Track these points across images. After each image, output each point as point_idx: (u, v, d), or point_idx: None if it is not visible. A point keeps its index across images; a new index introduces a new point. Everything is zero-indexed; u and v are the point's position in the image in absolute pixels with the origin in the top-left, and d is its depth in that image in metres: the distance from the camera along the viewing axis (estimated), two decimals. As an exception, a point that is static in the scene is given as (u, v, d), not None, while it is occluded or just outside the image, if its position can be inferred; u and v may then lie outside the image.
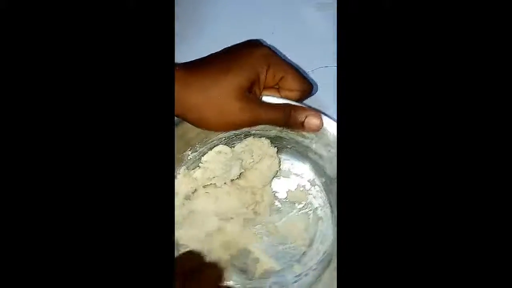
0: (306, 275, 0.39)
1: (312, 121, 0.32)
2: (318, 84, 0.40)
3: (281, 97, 0.34)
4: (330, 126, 0.33)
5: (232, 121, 0.31)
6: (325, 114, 0.33)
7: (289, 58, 0.41)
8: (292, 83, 0.33)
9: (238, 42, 0.34)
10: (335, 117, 0.33)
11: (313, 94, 0.39)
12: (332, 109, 0.33)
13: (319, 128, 0.32)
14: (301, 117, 0.32)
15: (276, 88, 0.34)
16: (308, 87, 0.34)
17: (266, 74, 0.32)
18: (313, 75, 0.41)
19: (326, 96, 0.39)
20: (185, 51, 0.33)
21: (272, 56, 0.32)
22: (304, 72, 0.41)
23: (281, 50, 0.41)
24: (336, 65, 0.26)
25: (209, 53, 0.33)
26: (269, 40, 0.41)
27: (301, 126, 0.32)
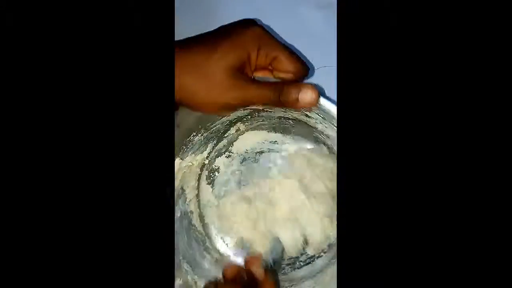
0: (318, 257, 0.39)
1: (306, 94, 0.30)
2: (318, 84, 0.40)
3: (275, 78, 0.33)
4: (329, 108, 0.32)
5: (223, 99, 0.30)
6: (322, 92, 0.32)
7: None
8: (285, 64, 0.32)
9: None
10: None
11: (309, 77, 0.38)
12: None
13: (314, 102, 0.31)
14: (294, 92, 0.31)
15: (270, 70, 0.33)
16: (303, 69, 0.33)
17: (258, 55, 0.31)
18: (313, 75, 0.41)
19: (326, 96, 0.39)
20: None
21: (264, 36, 0.31)
22: (300, 53, 0.39)
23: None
24: (336, 65, 0.26)
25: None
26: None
27: (295, 101, 0.31)
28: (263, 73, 0.33)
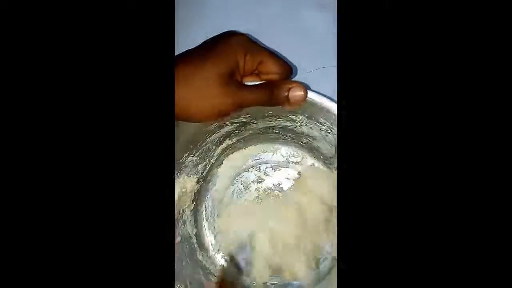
0: (325, 259, 0.40)
1: (295, 92, 0.32)
2: (318, 84, 0.40)
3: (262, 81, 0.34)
4: (316, 99, 0.33)
5: (217, 107, 0.31)
6: (308, 87, 0.33)
7: (289, 58, 0.41)
8: (271, 66, 0.33)
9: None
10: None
11: (293, 77, 0.39)
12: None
13: (303, 98, 0.33)
14: (284, 91, 0.32)
15: (257, 74, 0.35)
16: (287, 69, 0.35)
17: (245, 60, 0.32)
18: (313, 75, 0.41)
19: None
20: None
21: (249, 42, 0.33)
22: (283, 57, 0.40)
23: (281, 50, 0.41)
24: (336, 65, 0.26)
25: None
26: (268, 39, 0.41)
27: (286, 100, 0.33)
28: (251, 78, 0.34)
